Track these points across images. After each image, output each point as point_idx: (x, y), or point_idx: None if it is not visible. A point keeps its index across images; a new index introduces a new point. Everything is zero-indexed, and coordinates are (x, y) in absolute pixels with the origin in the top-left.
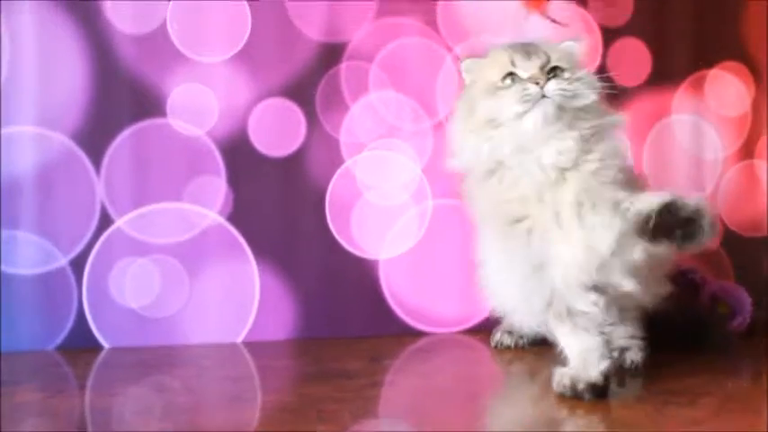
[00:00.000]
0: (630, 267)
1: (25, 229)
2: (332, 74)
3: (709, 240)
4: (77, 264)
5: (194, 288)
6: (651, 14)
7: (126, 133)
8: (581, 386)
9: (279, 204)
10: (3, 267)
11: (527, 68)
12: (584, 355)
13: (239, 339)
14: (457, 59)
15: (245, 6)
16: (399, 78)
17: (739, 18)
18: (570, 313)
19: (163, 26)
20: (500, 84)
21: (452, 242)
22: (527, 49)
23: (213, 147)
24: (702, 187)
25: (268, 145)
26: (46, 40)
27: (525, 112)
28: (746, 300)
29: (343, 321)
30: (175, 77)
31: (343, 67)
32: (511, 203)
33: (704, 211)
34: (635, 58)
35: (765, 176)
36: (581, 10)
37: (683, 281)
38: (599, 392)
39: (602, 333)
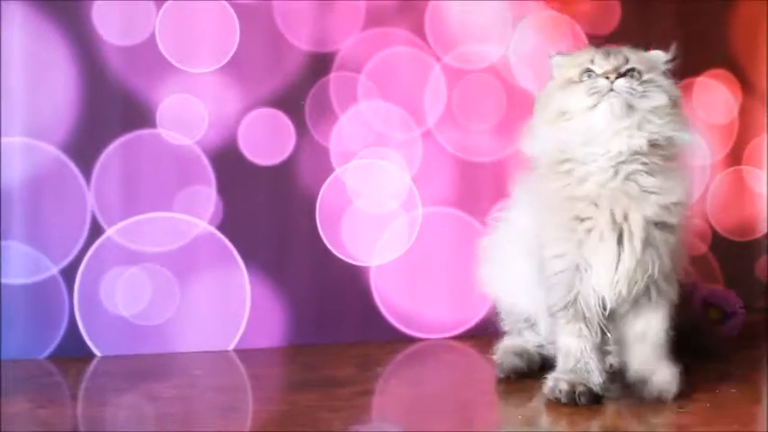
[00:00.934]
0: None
1: (16, 239)
2: (321, 83)
3: None
4: (68, 273)
5: (185, 296)
6: (638, 22)
7: (116, 143)
8: (581, 389)
9: (269, 213)
10: None
11: (603, 66)
12: (585, 359)
13: (231, 347)
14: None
15: (234, 17)
16: (388, 87)
17: (726, 26)
18: (582, 317)
19: (152, 37)
20: (576, 79)
21: (442, 249)
22: (609, 51)
23: (203, 156)
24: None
25: (258, 154)
26: (35, 52)
27: (595, 106)
28: (737, 304)
29: (334, 328)
30: (165, 88)
31: (332, 76)
32: (578, 201)
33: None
34: None
35: (753, 182)
36: (567, 17)
37: None
38: (596, 399)
39: (605, 335)
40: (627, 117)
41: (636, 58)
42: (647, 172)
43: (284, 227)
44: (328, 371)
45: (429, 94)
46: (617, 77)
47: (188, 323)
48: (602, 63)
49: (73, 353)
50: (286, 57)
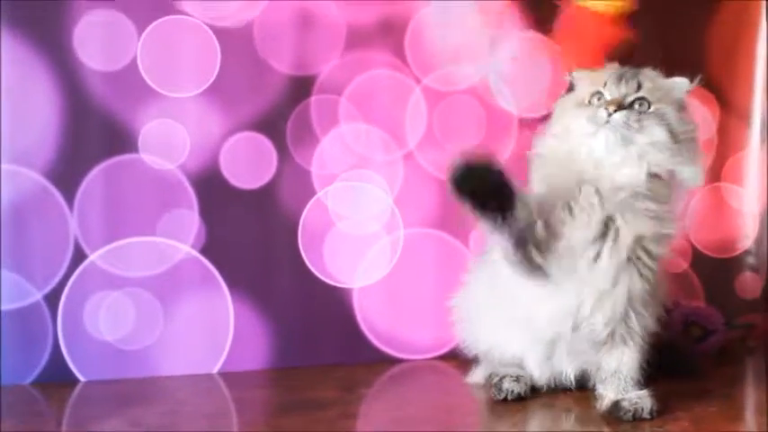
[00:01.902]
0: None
1: None
2: (302, 107)
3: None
4: (52, 298)
5: (169, 320)
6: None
7: (98, 169)
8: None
9: (252, 236)
10: None
11: (612, 92)
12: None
13: (215, 370)
14: None
15: (215, 41)
16: (369, 110)
17: (703, 45)
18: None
19: (133, 63)
20: (586, 100)
21: (425, 270)
22: (624, 75)
23: (185, 181)
24: None
25: (240, 178)
26: (17, 78)
27: (594, 134)
28: (719, 321)
29: (317, 350)
30: (146, 113)
31: (313, 99)
32: (581, 189)
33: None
34: None
35: (732, 198)
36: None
37: None
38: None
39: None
40: (623, 149)
41: (650, 85)
42: (649, 198)
43: (267, 250)
44: (312, 393)
45: (410, 115)
46: (617, 110)
47: (172, 347)
48: (612, 89)
49: (57, 378)
50: (267, 80)
